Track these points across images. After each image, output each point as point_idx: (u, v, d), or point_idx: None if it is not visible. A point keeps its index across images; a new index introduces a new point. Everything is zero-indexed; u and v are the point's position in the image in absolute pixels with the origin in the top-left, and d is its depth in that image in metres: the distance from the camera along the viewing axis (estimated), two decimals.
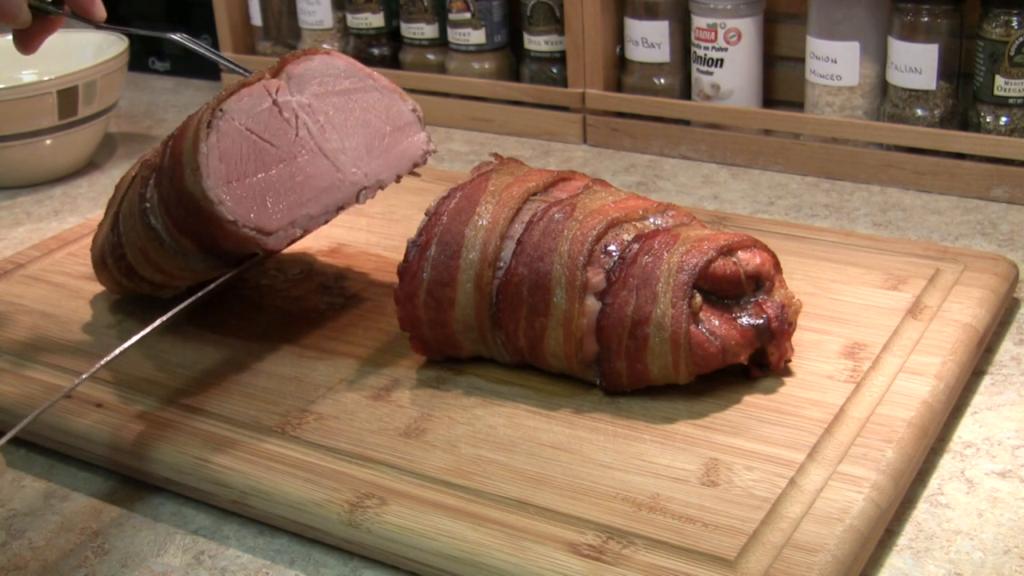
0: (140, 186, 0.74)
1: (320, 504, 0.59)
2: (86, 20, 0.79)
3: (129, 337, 0.65)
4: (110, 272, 0.78)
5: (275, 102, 0.71)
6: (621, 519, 0.56)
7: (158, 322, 0.67)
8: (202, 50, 0.80)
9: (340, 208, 0.71)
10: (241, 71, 0.77)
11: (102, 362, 0.64)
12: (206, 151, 0.67)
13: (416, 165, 0.75)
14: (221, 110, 0.69)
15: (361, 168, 0.72)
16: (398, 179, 0.74)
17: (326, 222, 0.71)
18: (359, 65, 0.75)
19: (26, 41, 0.79)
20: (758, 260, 0.66)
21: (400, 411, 0.66)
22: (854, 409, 0.63)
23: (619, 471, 0.60)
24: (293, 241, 0.70)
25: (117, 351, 0.64)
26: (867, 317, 0.72)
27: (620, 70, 1.14)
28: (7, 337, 0.78)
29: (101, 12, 0.79)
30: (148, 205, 0.72)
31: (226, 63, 0.81)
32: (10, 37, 1.22)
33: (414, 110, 0.76)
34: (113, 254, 0.77)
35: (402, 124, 0.75)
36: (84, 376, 0.64)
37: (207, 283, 0.72)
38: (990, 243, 0.88)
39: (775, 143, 1.04)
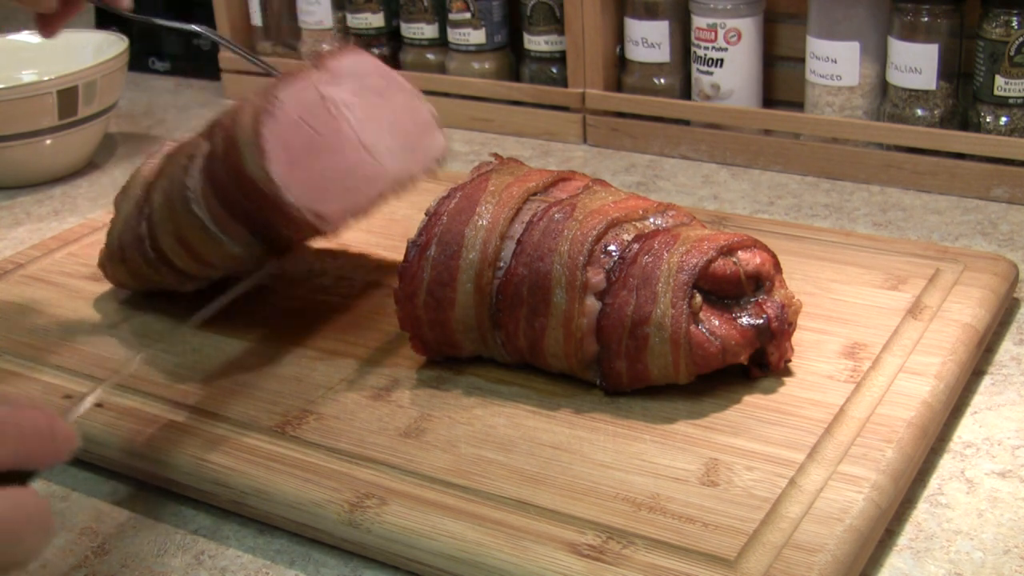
0: (181, 175, 0.73)
1: (320, 504, 0.59)
2: (113, 8, 0.77)
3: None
4: (128, 265, 0.78)
5: (322, 95, 0.72)
6: (621, 519, 0.56)
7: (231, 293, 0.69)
8: (225, 43, 0.80)
9: (381, 199, 0.73)
10: (263, 66, 0.77)
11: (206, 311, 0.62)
12: (269, 137, 0.68)
13: (437, 162, 0.77)
14: (277, 98, 0.69)
15: (395, 162, 0.74)
16: (425, 174, 0.76)
17: (370, 213, 0.72)
18: (385, 66, 0.77)
19: (48, 25, 0.78)
20: (758, 260, 0.66)
21: (400, 411, 0.66)
22: (854, 409, 0.63)
23: (619, 471, 0.60)
24: (345, 228, 0.71)
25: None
26: (867, 317, 0.72)
27: (620, 70, 1.14)
28: (7, 337, 0.78)
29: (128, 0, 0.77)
30: (191, 194, 0.72)
31: (251, 58, 0.80)
32: (10, 37, 1.23)
33: (431, 112, 0.78)
34: (137, 247, 0.77)
35: (422, 123, 0.77)
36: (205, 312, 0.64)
37: (234, 277, 0.74)
38: (990, 243, 0.88)
39: (775, 143, 1.04)
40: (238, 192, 0.69)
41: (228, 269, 0.75)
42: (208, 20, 1.36)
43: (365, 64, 0.76)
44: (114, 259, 0.80)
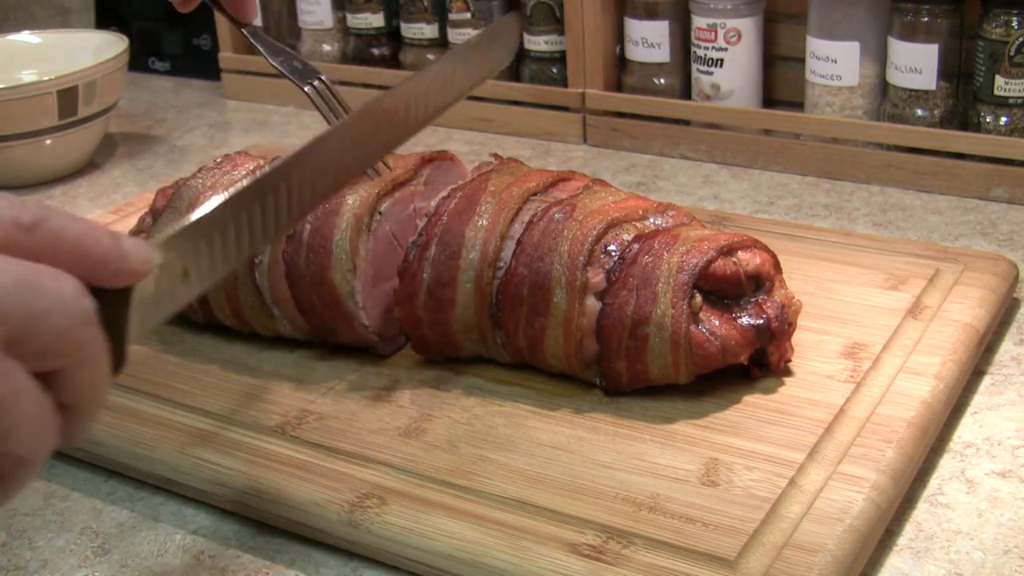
0: None
1: (320, 504, 0.59)
2: (233, 21, 0.75)
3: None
4: None
5: (415, 209, 0.73)
6: (621, 519, 0.56)
7: None
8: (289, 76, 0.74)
9: None
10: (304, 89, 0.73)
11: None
12: (364, 255, 0.69)
13: None
14: (380, 213, 0.70)
15: None
16: None
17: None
18: (466, 171, 0.76)
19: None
20: (758, 260, 0.66)
21: (400, 411, 0.66)
22: (854, 409, 0.63)
23: (619, 471, 0.60)
24: (398, 349, 0.72)
25: None
26: (867, 317, 0.72)
27: (620, 70, 1.14)
28: None
29: (251, 14, 0.75)
30: (259, 261, 0.71)
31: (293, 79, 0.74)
32: (10, 37, 1.23)
33: None
34: None
35: None
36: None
37: None
38: (990, 243, 0.88)
39: (775, 143, 1.04)
40: (313, 290, 0.69)
41: (259, 331, 0.74)
42: (208, 20, 1.37)
43: (455, 173, 0.76)
44: None
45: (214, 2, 0.75)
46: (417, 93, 0.66)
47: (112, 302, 0.43)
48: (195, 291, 0.51)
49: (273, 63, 0.73)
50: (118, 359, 0.45)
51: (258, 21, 1.33)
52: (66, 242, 0.41)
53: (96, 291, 0.42)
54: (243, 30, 0.74)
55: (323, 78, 0.72)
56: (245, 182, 0.53)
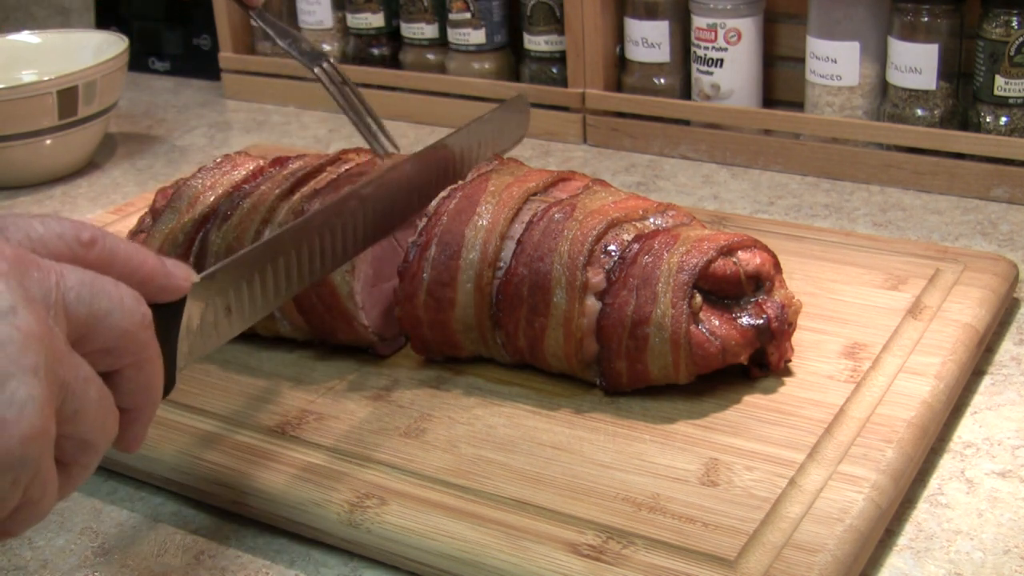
0: (253, 238, 0.71)
1: (320, 504, 0.59)
2: (241, 4, 0.74)
3: None
4: None
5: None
6: (621, 519, 0.56)
7: None
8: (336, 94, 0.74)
9: None
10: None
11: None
12: (364, 254, 0.69)
13: None
14: None
15: None
16: None
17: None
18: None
19: None
20: (758, 260, 0.66)
21: (400, 411, 0.66)
22: (854, 409, 0.63)
23: (619, 471, 0.60)
24: (399, 348, 0.72)
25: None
26: (867, 317, 0.72)
27: (620, 70, 1.14)
28: None
29: None
30: None
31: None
32: (10, 37, 1.23)
33: None
34: None
35: None
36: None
37: None
38: (990, 243, 0.88)
39: (775, 143, 1.04)
40: (313, 290, 0.69)
41: (268, 333, 0.74)
42: (208, 20, 1.36)
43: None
44: None
45: None
46: (446, 157, 0.69)
47: (163, 322, 0.48)
48: (236, 328, 0.57)
49: (282, 44, 0.74)
50: (168, 381, 0.49)
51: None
52: (119, 258, 0.46)
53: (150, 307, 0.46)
54: (250, 12, 0.74)
55: (331, 60, 0.73)
56: (288, 226, 0.57)
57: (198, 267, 0.74)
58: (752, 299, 0.65)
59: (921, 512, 0.60)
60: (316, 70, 0.72)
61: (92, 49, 1.17)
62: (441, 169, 0.72)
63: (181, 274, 0.49)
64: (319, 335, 0.72)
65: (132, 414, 0.46)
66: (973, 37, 0.95)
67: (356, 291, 0.68)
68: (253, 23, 0.74)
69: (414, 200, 0.70)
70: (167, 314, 0.49)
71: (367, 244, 0.67)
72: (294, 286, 0.61)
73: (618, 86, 1.14)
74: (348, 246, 0.65)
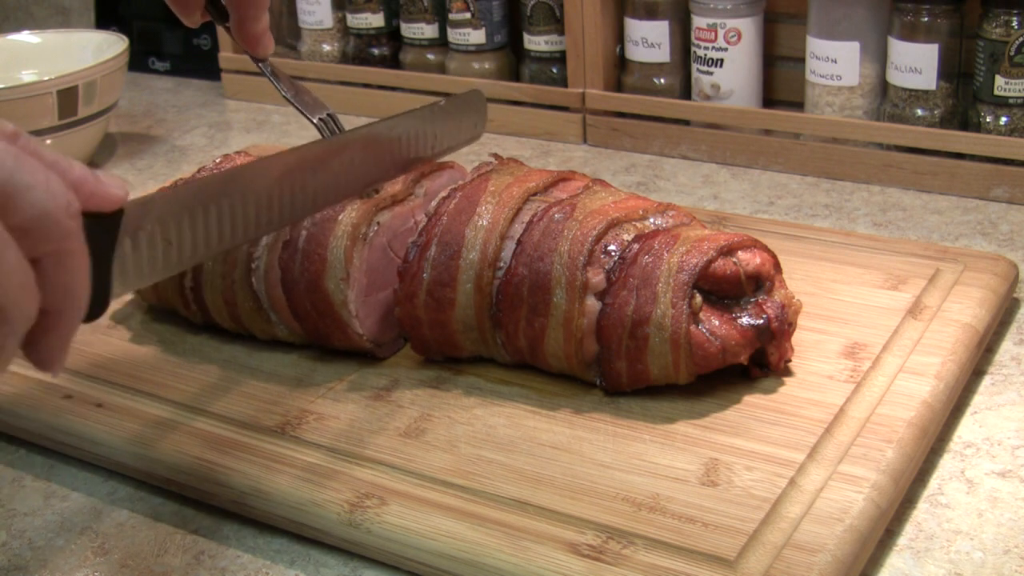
0: (250, 244, 0.71)
1: (320, 504, 0.59)
2: (251, 55, 0.74)
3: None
4: (157, 287, 0.77)
5: (415, 222, 0.73)
6: (621, 519, 0.56)
7: None
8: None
9: None
10: (307, 116, 0.73)
11: None
12: (359, 264, 0.69)
13: None
14: (377, 223, 0.70)
15: None
16: None
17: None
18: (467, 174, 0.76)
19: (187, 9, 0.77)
20: (758, 260, 0.66)
21: (400, 411, 0.66)
22: (854, 409, 0.63)
23: (619, 471, 0.60)
24: (397, 351, 0.73)
25: None
26: (867, 317, 0.72)
27: (620, 70, 1.14)
28: None
29: (266, 49, 0.74)
30: (256, 266, 0.71)
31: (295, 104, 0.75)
32: (10, 37, 1.23)
33: None
34: (175, 280, 0.75)
35: None
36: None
37: None
38: (990, 243, 0.88)
39: (775, 143, 1.04)
40: (307, 297, 0.69)
41: (266, 337, 0.74)
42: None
43: (455, 180, 0.75)
44: None
45: (230, 32, 0.76)
46: (391, 137, 0.68)
47: (94, 235, 0.44)
48: (175, 265, 0.53)
49: (286, 95, 0.75)
50: (98, 303, 0.45)
51: None
52: (45, 158, 0.43)
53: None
54: (259, 63, 0.75)
55: (331, 112, 0.74)
56: (237, 166, 0.55)
57: (196, 271, 0.74)
58: (752, 299, 0.65)
59: (921, 512, 0.60)
60: (316, 120, 0.73)
61: (92, 49, 1.17)
62: (387, 151, 0.70)
63: (115, 183, 0.46)
64: (315, 340, 0.72)
65: (50, 319, 0.43)
66: (973, 37, 0.95)
67: (350, 300, 0.68)
68: (261, 72, 0.75)
69: (356, 181, 0.68)
70: (100, 228, 0.46)
71: (305, 214, 0.64)
72: (239, 234, 0.58)
73: (618, 86, 1.14)
74: (296, 208, 0.61)
